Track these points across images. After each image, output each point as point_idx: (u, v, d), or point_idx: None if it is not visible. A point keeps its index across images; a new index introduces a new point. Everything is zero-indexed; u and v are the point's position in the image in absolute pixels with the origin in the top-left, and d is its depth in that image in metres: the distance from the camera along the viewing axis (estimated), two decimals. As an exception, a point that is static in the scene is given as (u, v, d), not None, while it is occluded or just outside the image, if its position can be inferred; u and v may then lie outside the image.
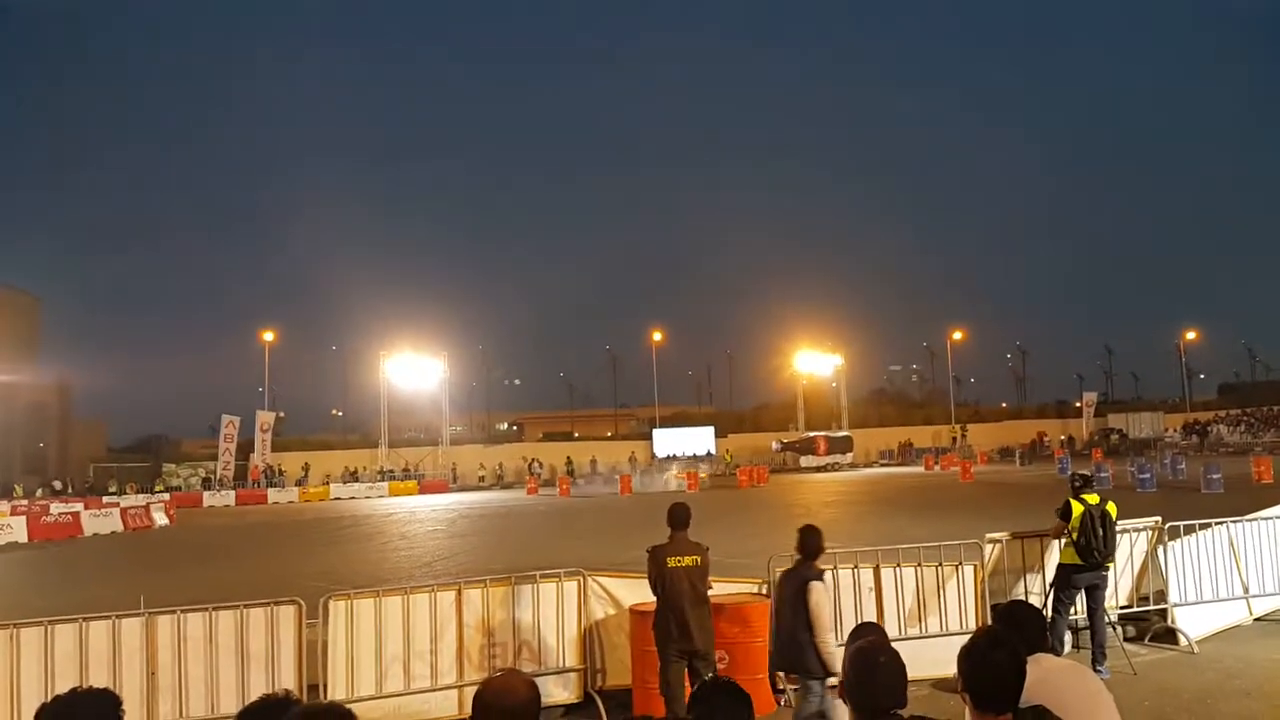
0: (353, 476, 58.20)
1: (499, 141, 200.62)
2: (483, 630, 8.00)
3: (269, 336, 67.00)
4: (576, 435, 78.57)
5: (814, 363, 71.61)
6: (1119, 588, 9.80)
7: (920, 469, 55.27)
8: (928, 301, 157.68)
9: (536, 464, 61.29)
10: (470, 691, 7.49)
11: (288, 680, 7.04)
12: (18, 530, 30.83)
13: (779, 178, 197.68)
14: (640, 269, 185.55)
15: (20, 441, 70.46)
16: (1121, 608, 9.75)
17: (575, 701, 8.14)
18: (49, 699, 2.51)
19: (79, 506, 37.14)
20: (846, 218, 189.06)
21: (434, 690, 7.69)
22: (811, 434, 65.51)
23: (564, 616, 8.24)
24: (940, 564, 8.83)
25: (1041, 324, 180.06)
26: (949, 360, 78.94)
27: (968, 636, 2.90)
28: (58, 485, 57.22)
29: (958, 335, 79.12)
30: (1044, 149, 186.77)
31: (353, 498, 52.49)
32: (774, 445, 65.34)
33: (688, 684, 6.62)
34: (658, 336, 74.95)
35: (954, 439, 70.05)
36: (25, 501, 43.86)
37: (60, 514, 34.36)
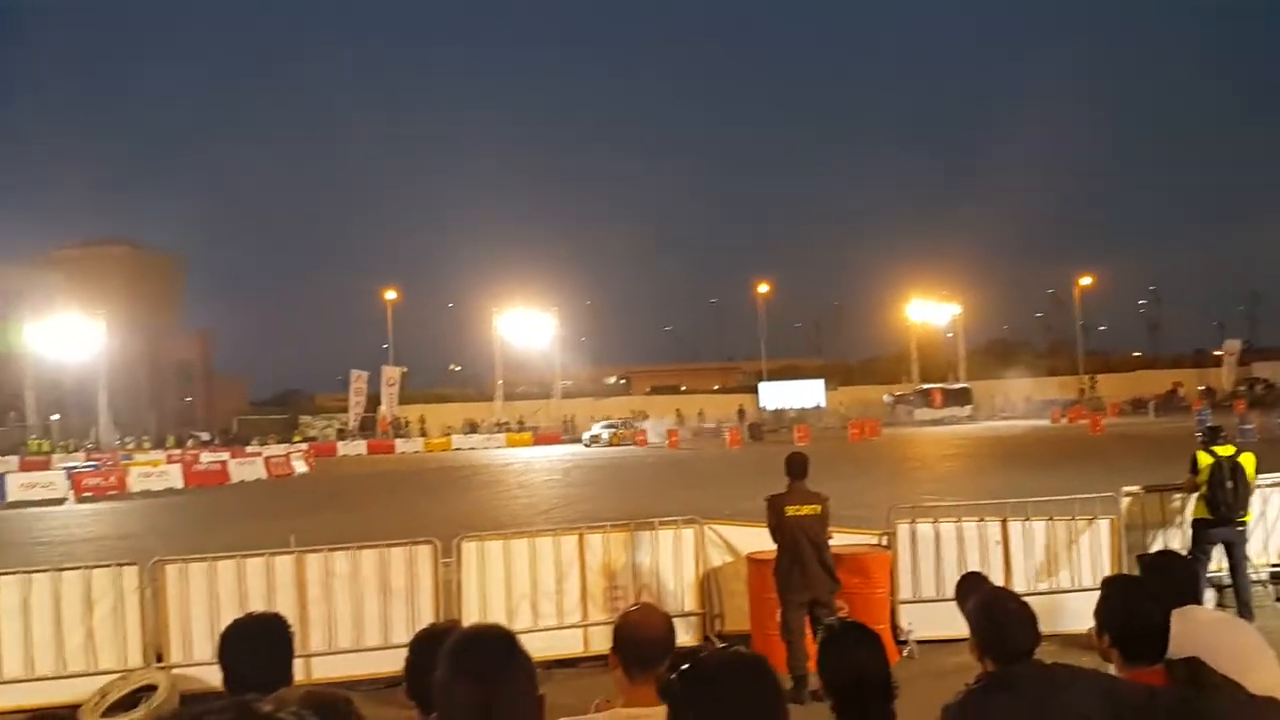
0: (472, 428, 60.18)
1: (608, 98, 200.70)
2: (604, 574, 8.28)
3: (392, 295, 69.47)
4: (684, 388, 78.94)
5: (929, 312, 69.56)
6: (1270, 544, 9.38)
7: (1045, 422, 53.32)
8: (1053, 244, 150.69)
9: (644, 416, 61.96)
10: (595, 631, 7.88)
11: (426, 614, 7.48)
12: (173, 477, 33.32)
13: (886, 120, 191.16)
14: (747, 220, 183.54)
15: (170, 395, 75.43)
16: (1274, 565, 9.34)
17: (694, 645, 8.37)
18: (229, 623, 2.79)
19: (226, 455, 39.83)
20: (962, 157, 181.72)
21: (560, 629, 8.03)
22: (926, 386, 63.92)
23: (682, 562, 8.44)
24: (1073, 517, 8.62)
25: (1177, 268, 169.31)
26: (1076, 307, 75.60)
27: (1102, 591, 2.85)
28: (205, 436, 61.08)
29: (1086, 280, 75.39)
30: (1182, 62, 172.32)
31: (472, 448, 54.29)
32: (886, 398, 64.06)
33: (809, 630, 6.74)
34: (764, 288, 74.23)
35: (1081, 390, 67.21)
36: (179, 451, 47.25)
37: (210, 462, 36.98)
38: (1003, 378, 69.07)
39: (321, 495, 26.87)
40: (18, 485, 30.81)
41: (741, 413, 61.83)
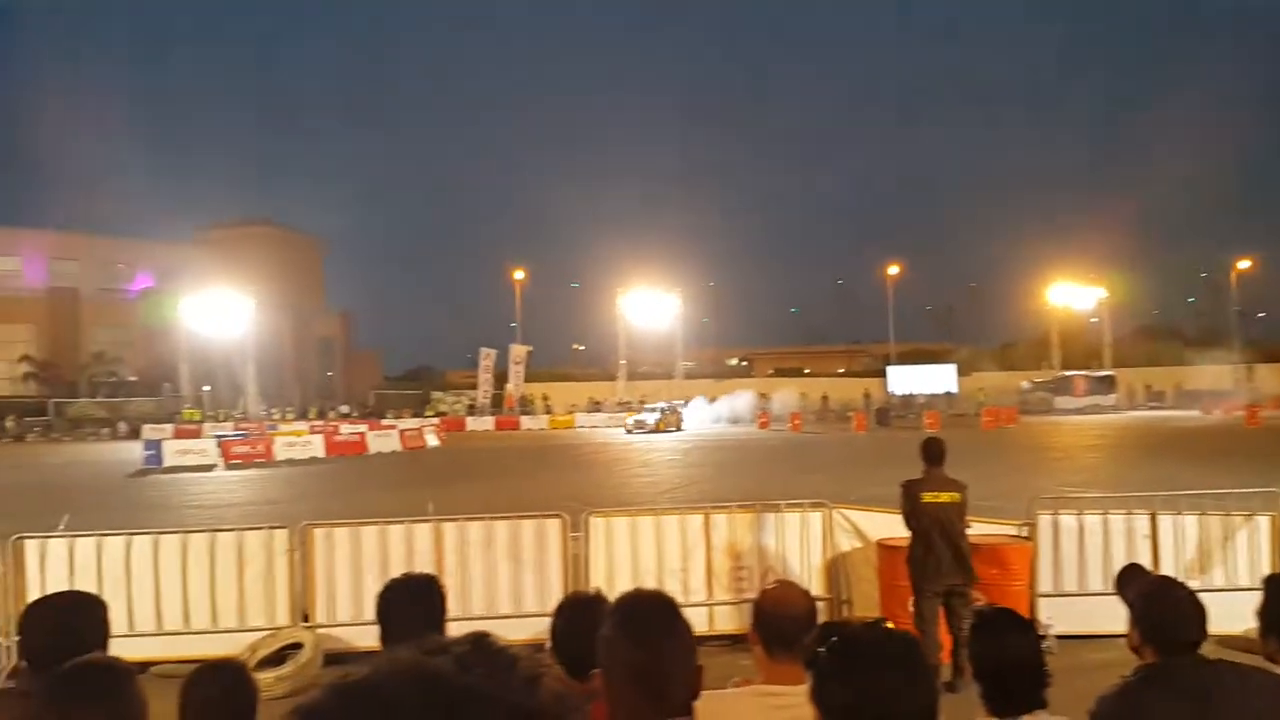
0: (595, 407, 61.06)
1: (733, 79, 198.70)
2: (730, 554, 8.26)
3: (519, 274, 71.03)
4: (807, 371, 77.87)
5: (1072, 295, 66.29)
6: None
7: (1196, 413, 50.14)
8: (1208, 226, 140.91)
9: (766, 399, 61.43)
10: (720, 610, 7.87)
11: (554, 585, 7.64)
12: (316, 447, 35.14)
13: (1027, 93, 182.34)
14: (877, 199, 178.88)
15: (313, 370, 79.37)
16: None
17: (837, 621, 8.27)
18: (388, 582, 2.89)
19: (364, 428, 41.74)
20: (1108, 133, 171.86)
21: (685, 606, 8.03)
22: (1068, 373, 61.06)
23: (808, 546, 8.33)
24: (1229, 513, 8.10)
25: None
26: (1232, 292, 70.61)
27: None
28: (345, 409, 64.02)
29: (1244, 264, 70.28)
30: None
31: (594, 427, 55.05)
32: (1024, 385, 61.48)
33: (942, 621, 6.56)
34: (894, 269, 72.31)
35: (1237, 380, 62.89)
36: (321, 422, 49.80)
37: (349, 434, 38.84)
38: (1151, 366, 65.30)
39: (453, 468, 27.77)
40: (173, 451, 32.95)
41: (867, 397, 60.57)
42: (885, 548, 7.75)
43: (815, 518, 8.41)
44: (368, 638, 7.43)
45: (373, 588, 7.68)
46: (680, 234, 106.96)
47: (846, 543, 8.46)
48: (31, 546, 7.42)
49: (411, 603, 2.63)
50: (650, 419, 47.49)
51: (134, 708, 1.72)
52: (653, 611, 1.91)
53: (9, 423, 57.34)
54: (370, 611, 7.78)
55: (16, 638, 6.72)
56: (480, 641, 0.73)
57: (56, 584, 7.02)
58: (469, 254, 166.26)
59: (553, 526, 8.01)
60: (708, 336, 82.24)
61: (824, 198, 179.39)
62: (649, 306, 65.38)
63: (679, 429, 47.38)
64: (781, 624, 2.54)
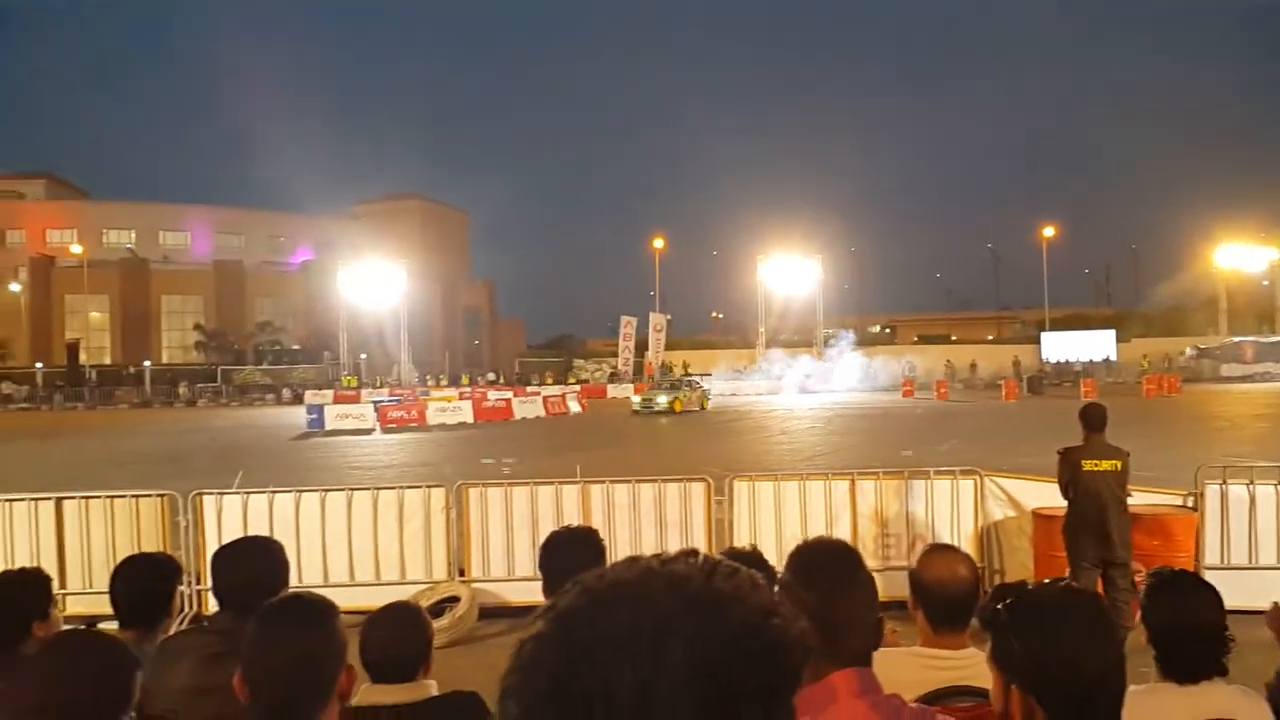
0: (735, 375, 60.92)
1: (878, 38, 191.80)
2: (876, 520, 8.14)
3: (659, 243, 71.37)
4: (954, 338, 75.25)
5: (1241, 257, 61.51)
6: None
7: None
8: None
9: (910, 366, 59.70)
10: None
11: (699, 548, 7.71)
12: (465, 412, 36.57)
13: (1189, 47, 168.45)
14: (1026, 159, 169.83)
15: (460, 338, 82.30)
16: None
17: (1014, 583, 8.04)
18: (551, 533, 2.99)
19: (510, 394, 43.08)
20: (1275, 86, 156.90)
21: (830, 573, 8.00)
22: (1237, 339, 56.87)
23: (959, 513, 8.11)
24: None
25: None
26: None
27: None
28: (491, 376, 66.20)
29: None
30: None
31: (734, 395, 54.88)
32: (1187, 351, 57.65)
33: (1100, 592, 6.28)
34: (1049, 231, 68.72)
35: None
36: (469, 389, 51.73)
37: (496, 400, 40.20)
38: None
39: (596, 433, 28.36)
40: (334, 416, 34.93)
41: (1017, 364, 58.04)
42: (1041, 517, 7.47)
43: (966, 485, 8.17)
44: (520, 593, 7.78)
45: (524, 546, 8.02)
46: (822, 199, 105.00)
47: (999, 511, 8.19)
48: (209, 501, 8.02)
49: (574, 553, 2.71)
50: (663, 399, 39.07)
51: (338, 638, 1.86)
52: (831, 559, 1.90)
53: (182, 388, 62.05)
54: (522, 568, 8.09)
55: (198, 586, 7.36)
56: (707, 556, 0.76)
57: (232, 536, 7.60)
58: (610, 224, 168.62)
59: (697, 490, 8.09)
60: (849, 303, 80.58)
61: (971, 160, 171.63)
62: (789, 273, 64.52)
63: (703, 408, 40.43)
64: (945, 598, 2.45)
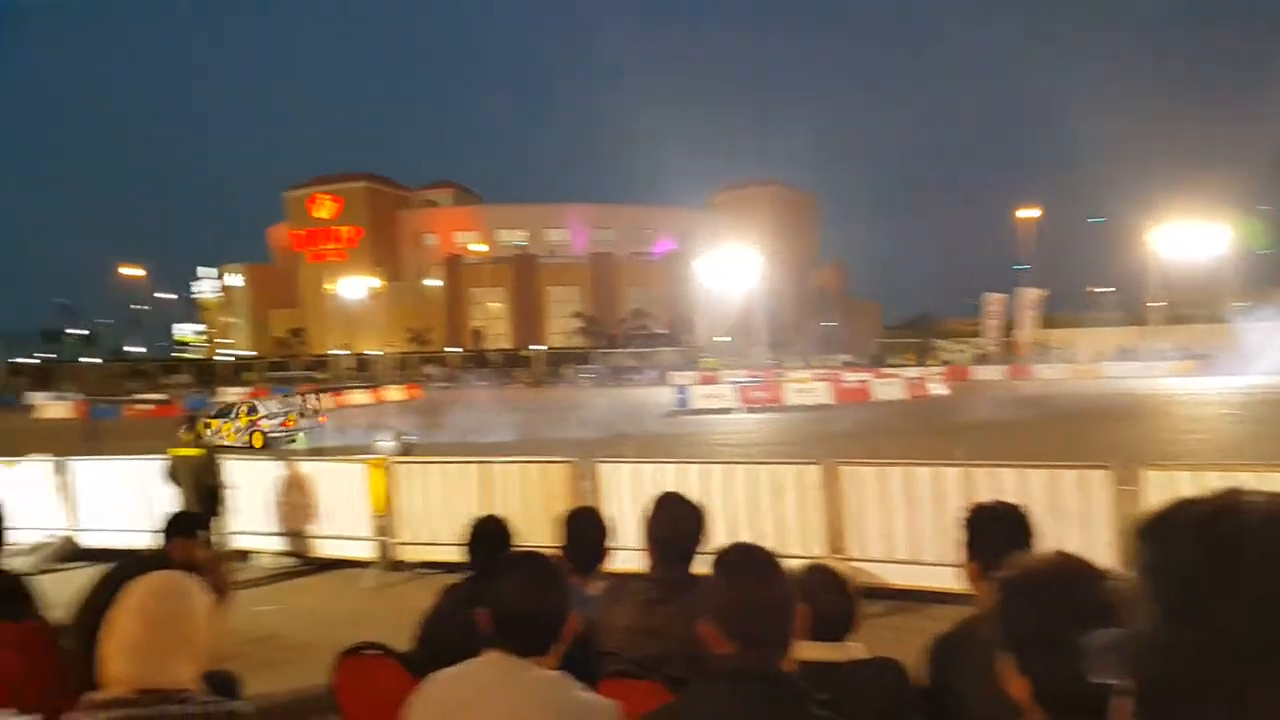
0: (1127, 355, 54.91)
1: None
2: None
3: (1027, 213, 66.17)
4: None
5: None
6: None
7: None
8: None
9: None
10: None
11: (1101, 541, 7.00)
12: (822, 393, 36.53)
13: None
14: None
15: (812, 320, 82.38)
16: None
17: None
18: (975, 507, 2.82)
19: (868, 375, 42.37)
20: None
21: None
22: None
23: None
24: None
25: None
26: None
27: None
28: (845, 357, 65.58)
29: None
30: None
31: (1127, 377, 49.41)
32: None
33: None
34: None
35: None
36: (826, 370, 51.63)
37: (854, 381, 39.70)
38: None
39: (965, 416, 26.84)
40: (698, 395, 36.46)
41: None
42: None
43: None
44: (899, 575, 7.57)
45: (902, 527, 7.80)
46: (1223, 155, 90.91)
47: None
48: (606, 469, 8.70)
49: (996, 525, 2.55)
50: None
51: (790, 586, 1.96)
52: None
53: (565, 370, 68.36)
54: (900, 550, 7.85)
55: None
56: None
57: (625, 500, 8.20)
58: (966, 197, 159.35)
59: (1097, 479, 7.33)
60: (1263, 272, 69.22)
61: None
62: (1188, 240, 56.77)
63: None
64: None
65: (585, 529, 3.31)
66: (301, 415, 26.26)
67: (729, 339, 70.50)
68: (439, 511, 9.03)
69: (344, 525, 9.49)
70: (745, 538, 7.52)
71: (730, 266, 63.64)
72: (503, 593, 2.03)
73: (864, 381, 39.19)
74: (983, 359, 58.24)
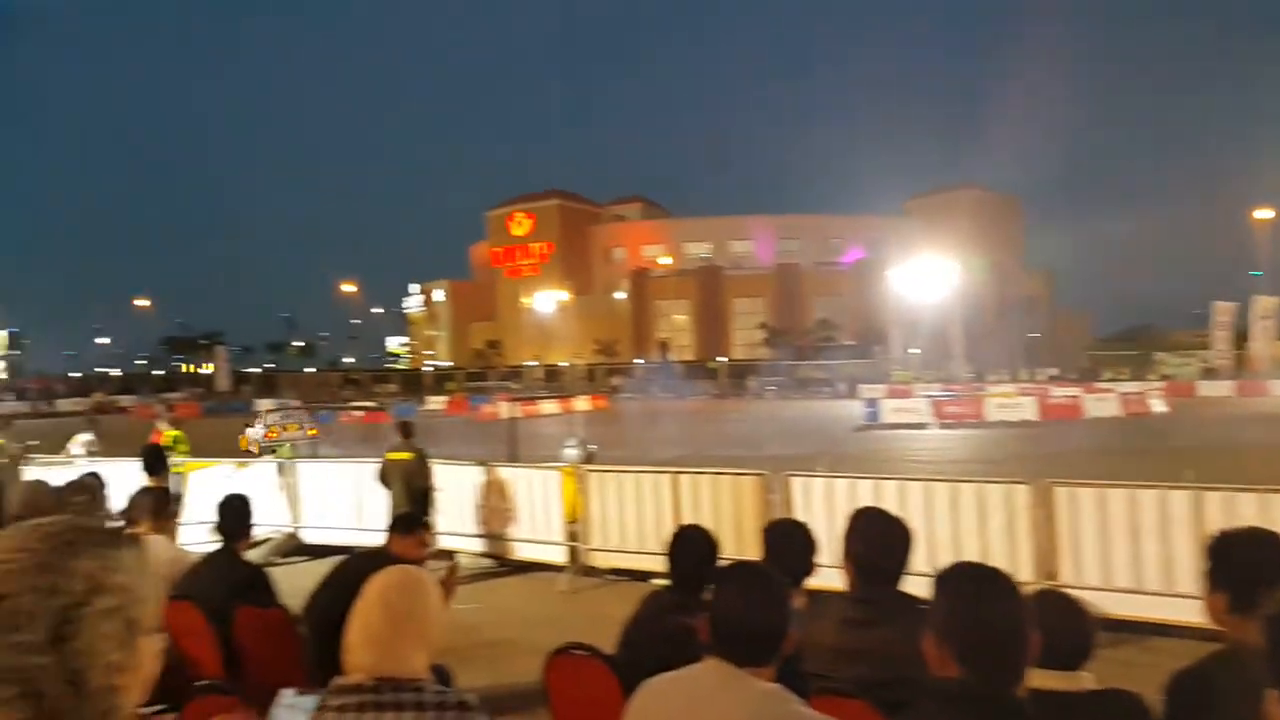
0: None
1: None
2: None
3: (1263, 214, 60.23)
4: None
5: None
6: None
7: None
8: None
9: None
10: None
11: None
12: (1027, 409, 34.34)
13: None
14: None
15: (1015, 331, 78.16)
16: None
17: None
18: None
19: (1078, 390, 39.55)
20: None
21: None
22: None
23: None
24: None
25: None
26: None
27: None
28: (1053, 371, 61.83)
29: None
30: None
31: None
32: None
33: None
34: None
35: None
36: (1031, 384, 48.74)
37: (1062, 396, 37.17)
38: None
39: (1191, 436, 24.54)
40: (889, 409, 35.21)
41: None
42: None
43: None
44: (1118, 604, 7.01)
45: (1122, 553, 7.24)
46: None
47: None
48: (797, 483, 8.55)
49: (1250, 554, 2.31)
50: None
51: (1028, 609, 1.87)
52: None
53: (749, 381, 67.96)
54: (1121, 579, 7.30)
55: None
56: None
57: (815, 515, 8.01)
58: (1192, 199, 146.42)
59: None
60: None
61: None
62: None
63: None
64: None
65: (790, 542, 3.25)
66: (284, 430, 27.82)
67: (920, 351, 67.99)
68: (629, 519, 9.18)
69: (539, 530, 9.82)
70: (947, 559, 7.19)
71: (925, 274, 61.24)
72: (726, 602, 2.03)
73: (1074, 397, 36.63)
74: (1209, 374, 53.20)
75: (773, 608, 2.05)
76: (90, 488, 5.36)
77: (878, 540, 2.85)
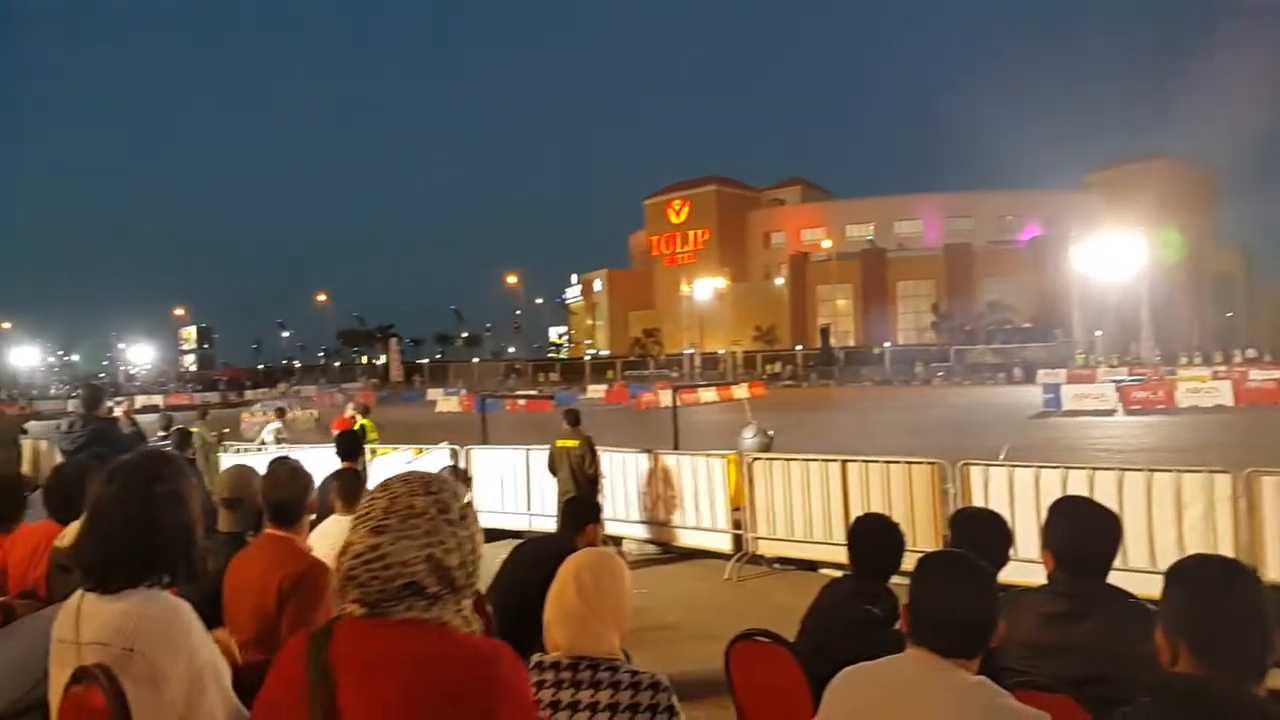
0: None
1: None
2: None
3: None
4: None
5: None
6: None
7: None
8: None
9: None
10: None
11: None
12: (1223, 394, 31.93)
13: None
14: None
15: (1209, 311, 72.30)
16: None
17: None
18: None
19: (1278, 374, 36.38)
20: None
21: None
22: None
23: None
24: None
25: None
26: None
27: None
28: (1251, 353, 56.97)
29: None
30: None
31: None
32: None
33: None
34: None
35: None
36: (1225, 368, 45.04)
37: (1262, 380, 34.30)
38: None
39: None
40: (1070, 396, 33.27)
41: None
42: None
43: None
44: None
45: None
46: None
47: None
48: (976, 472, 8.20)
49: None
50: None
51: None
52: None
53: (918, 368, 65.65)
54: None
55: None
56: None
57: (997, 506, 7.64)
58: None
59: None
60: None
61: None
62: None
63: None
64: None
65: (983, 532, 3.12)
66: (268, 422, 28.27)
67: (1104, 333, 63.77)
68: (796, 508, 9.07)
69: (704, 517, 9.85)
70: (1140, 553, 6.82)
71: (1108, 253, 57.31)
72: (933, 592, 1.98)
73: (1275, 380, 33.58)
74: None
75: (983, 598, 2.00)
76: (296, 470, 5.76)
77: (1084, 530, 2.70)
